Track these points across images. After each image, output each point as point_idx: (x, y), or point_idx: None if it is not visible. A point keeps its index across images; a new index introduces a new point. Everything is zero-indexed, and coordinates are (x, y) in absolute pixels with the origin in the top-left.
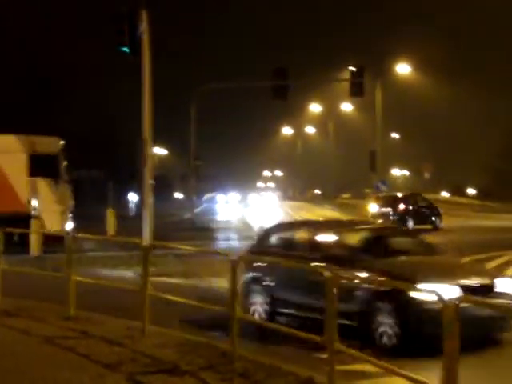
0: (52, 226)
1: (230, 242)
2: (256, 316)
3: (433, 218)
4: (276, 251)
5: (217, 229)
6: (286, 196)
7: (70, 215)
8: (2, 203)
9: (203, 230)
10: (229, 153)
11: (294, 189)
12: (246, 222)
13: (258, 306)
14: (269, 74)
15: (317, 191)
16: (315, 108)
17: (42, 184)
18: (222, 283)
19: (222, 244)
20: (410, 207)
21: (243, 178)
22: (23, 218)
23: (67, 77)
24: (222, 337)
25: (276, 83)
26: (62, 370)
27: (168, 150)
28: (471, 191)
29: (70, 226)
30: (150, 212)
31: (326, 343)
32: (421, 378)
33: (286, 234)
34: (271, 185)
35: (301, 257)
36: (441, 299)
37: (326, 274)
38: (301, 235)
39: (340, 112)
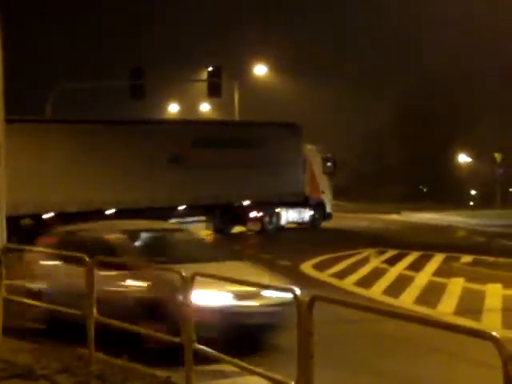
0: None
1: None
2: None
3: None
4: None
5: None
6: None
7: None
8: (314, 192)
9: None
10: None
11: None
12: None
13: None
14: (127, 74)
15: None
16: (174, 108)
17: (326, 179)
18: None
19: None
20: None
21: None
22: (320, 204)
23: None
24: (80, 340)
25: (133, 82)
26: None
27: None
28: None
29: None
30: (3, 214)
31: (183, 343)
32: (278, 376)
33: None
34: None
35: None
36: None
37: None
38: None
39: (199, 112)
